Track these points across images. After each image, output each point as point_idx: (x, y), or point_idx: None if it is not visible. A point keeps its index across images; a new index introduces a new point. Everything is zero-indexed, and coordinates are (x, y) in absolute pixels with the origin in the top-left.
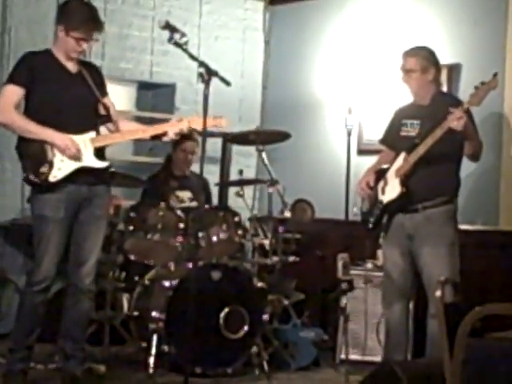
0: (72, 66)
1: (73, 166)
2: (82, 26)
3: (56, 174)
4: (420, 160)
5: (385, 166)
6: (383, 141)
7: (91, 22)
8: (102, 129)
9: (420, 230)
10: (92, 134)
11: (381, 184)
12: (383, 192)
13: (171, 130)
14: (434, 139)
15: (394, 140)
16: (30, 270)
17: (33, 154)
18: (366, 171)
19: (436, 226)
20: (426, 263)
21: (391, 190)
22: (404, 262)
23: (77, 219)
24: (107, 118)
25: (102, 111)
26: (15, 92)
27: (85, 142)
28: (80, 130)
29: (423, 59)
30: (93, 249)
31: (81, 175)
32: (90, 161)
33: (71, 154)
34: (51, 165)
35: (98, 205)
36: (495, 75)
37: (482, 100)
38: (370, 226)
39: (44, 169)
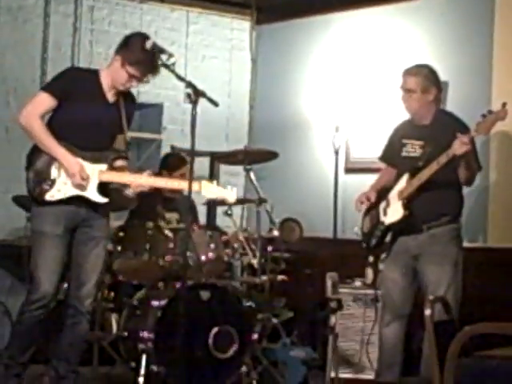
0: (111, 95)
1: (73, 191)
2: (139, 64)
3: (54, 194)
4: (424, 184)
5: (386, 185)
6: (382, 158)
7: (149, 64)
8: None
9: (425, 249)
10: (103, 166)
11: (383, 205)
12: (385, 213)
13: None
14: (439, 165)
15: (394, 158)
16: (28, 287)
17: (39, 168)
18: (369, 188)
19: (441, 245)
20: (431, 281)
21: (393, 212)
22: (404, 281)
23: (75, 239)
24: (124, 155)
25: (122, 146)
26: (46, 101)
27: (93, 172)
28: (94, 158)
29: (424, 79)
30: (92, 270)
31: (79, 201)
32: (91, 193)
33: (76, 181)
34: (53, 183)
35: (96, 226)
36: (504, 105)
37: (490, 130)
38: (372, 246)
39: (44, 186)
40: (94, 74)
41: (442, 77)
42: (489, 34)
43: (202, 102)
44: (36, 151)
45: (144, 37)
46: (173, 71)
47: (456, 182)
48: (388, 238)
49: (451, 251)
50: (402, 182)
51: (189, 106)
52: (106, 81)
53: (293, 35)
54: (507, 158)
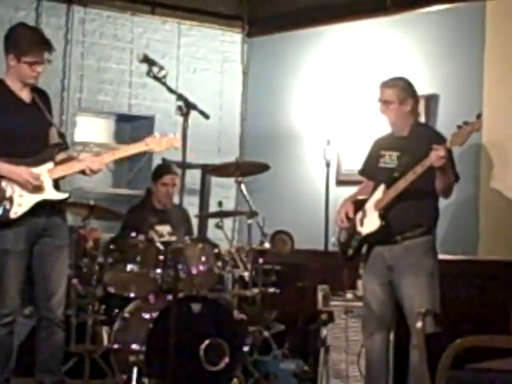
0: (26, 95)
1: (33, 200)
2: (32, 49)
3: (17, 211)
4: (400, 195)
5: (362, 197)
6: (362, 172)
7: (41, 44)
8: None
9: (400, 261)
10: (50, 164)
11: (359, 215)
12: (361, 224)
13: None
14: (415, 175)
15: (372, 171)
16: None
17: None
18: (343, 200)
19: (415, 257)
20: (407, 294)
21: (370, 223)
22: (383, 292)
23: (37, 250)
24: (63, 146)
25: (57, 138)
26: None
27: (43, 174)
28: (38, 161)
29: (401, 90)
30: (60, 279)
31: (40, 208)
32: (49, 193)
33: (31, 187)
34: (11, 201)
35: (57, 235)
36: (479, 117)
37: (465, 141)
38: (348, 256)
39: (4, 206)
40: (0, 83)
41: (433, 89)
42: (480, 47)
43: (194, 114)
44: None
45: (21, 24)
46: (164, 84)
47: (432, 194)
48: (364, 249)
49: (426, 263)
50: (379, 192)
51: (180, 119)
52: (13, 84)
53: (284, 48)
54: (498, 168)
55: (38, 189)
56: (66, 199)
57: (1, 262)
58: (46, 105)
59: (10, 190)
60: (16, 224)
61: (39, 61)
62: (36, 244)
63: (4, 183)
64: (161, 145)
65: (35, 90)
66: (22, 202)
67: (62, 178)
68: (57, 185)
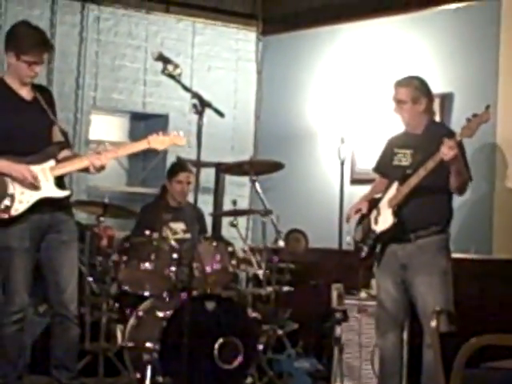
0: (26, 93)
1: (33, 197)
2: (32, 49)
3: (18, 208)
4: (412, 191)
5: (378, 196)
6: (376, 169)
7: (42, 45)
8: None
9: (413, 259)
10: (51, 162)
11: (374, 214)
12: (376, 222)
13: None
14: (427, 171)
15: (386, 169)
16: (4, 301)
17: None
18: (359, 199)
19: (429, 256)
20: (420, 293)
21: (384, 220)
22: (397, 291)
23: (44, 246)
24: (65, 144)
25: (59, 137)
26: None
27: (44, 172)
28: (40, 158)
29: (414, 89)
30: (70, 274)
31: (42, 205)
32: (50, 191)
33: (29, 184)
34: (12, 198)
35: (65, 230)
36: (487, 108)
37: (474, 132)
38: (363, 255)
39: (5, 203)
40: (0, 82)
41: (448, 88)
42: (495, 45)
43: (208, 112)
44: None
45: (24, 23)
46: (179, 82)
47: (446, 191)
48: (378, 248)
49: (439, 261)
50: (392, 190)
51: (195, 117)
52: (13, 82)
53: (299, 46)
54: None
55: (37, 186)
56: (67, 197)
57: (7, 260)
58: (48, 103)
59: (11, 187)
60: (20, 221)
61: (38, 61)
62: (43, 241)
63: (6, 180)
64: (163, 143)
65: (38, 87)
66: (23, 199)
67: (65, 175)
68: (60, 182)
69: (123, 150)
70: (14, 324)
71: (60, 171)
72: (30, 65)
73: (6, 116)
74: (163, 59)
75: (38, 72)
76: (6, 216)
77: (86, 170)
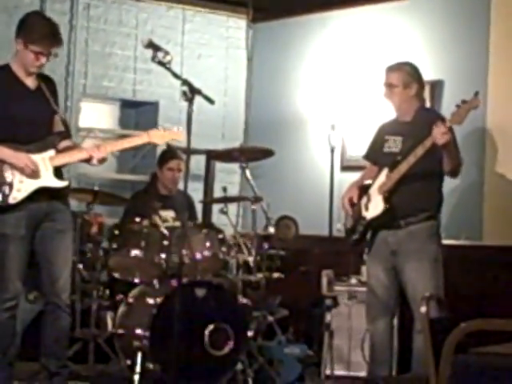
0: (31, 82)
1: (32, 186)
2: (41, 40)
3: (16, 196)
4: (403, 177)
5: (368, 182)
6: (366, 156)
7: (51, 37)
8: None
9: (403, 245)
10: (51, 152)
11: (364, 200)
12: (366, 208)
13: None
14: (417, 157)
15: (377, 156)
16: None
17: None
18: (349, 186)
19: (419, 242)
20: (410, 279)
21: (374, 207)
22: (387, 277)
23: (39, 235)
24: (66, 134)
25: (60, 126)
26: None
27: (44, 161)
28: (40, 148)
29: (406, 74)
30: (64, 263)
31: (40, 194)
32: (49, 180)
33: (29, 173)
34: (11, 186)
35: (60, 219)
36: (476, 94)
37: (464, 119)
38: (354, 241)
39: (3, 191)
40: (6, 68)
41: (438, 75)
42: (485, 33)
43: (198, 100)
44: None
45: (38, 13)
46: (169, 69)
47: (436, 178)
48: (369, 235)
49: (429, 248)
50: (382, 176)
51: (185, 104)
52: (18, 70)
53: (289, 33)
54: (503, 153)
55: (37, 175)
56: (65, 187)
57: (1, 247)
58: (52, 92)
59: (10, 175)
60: (16, 209)
61: (45, 52)
62: (38, 229)
63: (5, 169)
64: (163, 138)
65: (42, 76)
66: (21, 188)
67: (64, 166)
68: (58, 172)
69: (124, 143)
70: (6, 311)
71: (59, 161)
72: (36, 55)
73: (9, 103)
74: (153, 47)
75: (44, 63)
76: (3, 204)
77: (86, 161)
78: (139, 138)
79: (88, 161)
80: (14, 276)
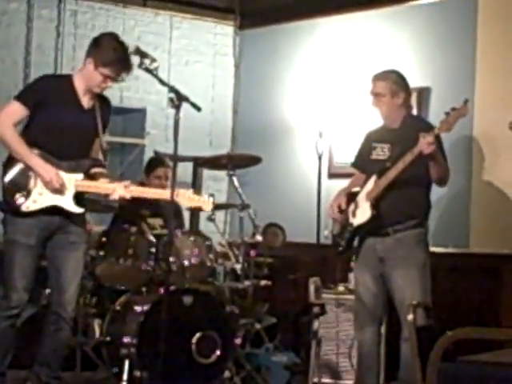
0: (87, 101)
1: (48, 201)
2: (113, 64)
3: (29, 205)
4: (391, 184)
5: (356, 189)
6: (354, 164)
7: (123, 62)
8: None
9: (391, 253)
10: (80, 175)
11: (351, 207)
12: (354, 215)
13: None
14: (405, 164)
15: (365, 164)
16: (3, 294)
17: (14, 177)
18: (337, 193)
19: (407, 249)
20: (398, 286)
21: (362, 214)
22: (375, 285)
23: (50, 245)
24: (101, 164)
25: (97, 151)
26: (18, 111)
27: (70, 182)
28: (71, 167)
29: (392, 83)
30: (73, 275)
31: (54, 211)
32: (66, 203)
33: (53, 188)
34: (28, 194)
35: (73, 232)
36: (466, 102)
37: (452, 126)
38: (341, 248)
39: (20, 196)
40: (68, 80)
41: (425, 82)
42: (472, 40)
43: (186, 106)
44: (11, 160)
45: (113, 36)
46: (156, 76)
47: (423, 185)
48: (356, 242)
49: (417, 255)
50: (370, 183)
51: (172, 111)
52: (80, 86)
53: (276, 40)
54: (490, 160)
55: (57, 192)
56: (79, 214)
57: (11, 254)
58: (104, 115)
59: (32, 183)
60: (30, 217)
61: (114, 77)
62: (49, 241)
63: (29, 175)
64: (190, 202)
65: (100, 96)
66: (37, 200)
67: (86, 193)
68: (80, 196)
69: (149, 193)
70: (7, 319)
71: (83, 188)
72: (105, 77)
73: (58, 114)
74: (140, 53)
75: (109, 86)
76: (14, 209)
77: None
78: (167, 194)
79: (107, 195)
80: (20, 285)
